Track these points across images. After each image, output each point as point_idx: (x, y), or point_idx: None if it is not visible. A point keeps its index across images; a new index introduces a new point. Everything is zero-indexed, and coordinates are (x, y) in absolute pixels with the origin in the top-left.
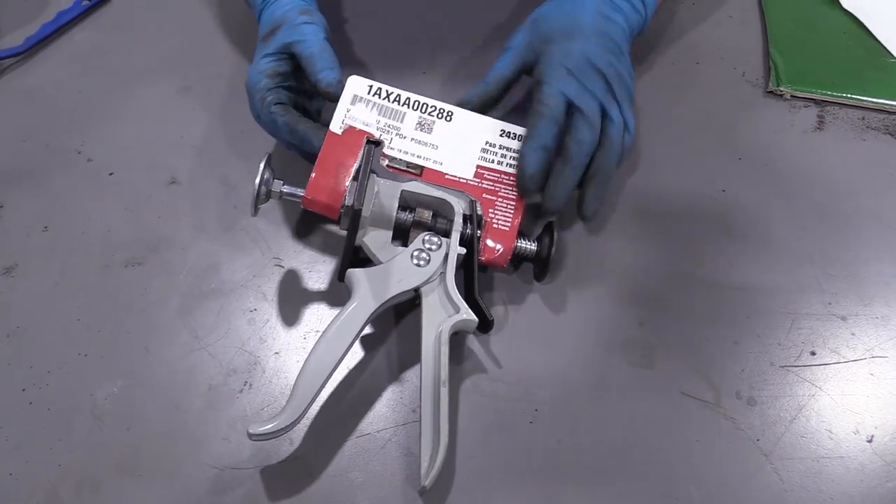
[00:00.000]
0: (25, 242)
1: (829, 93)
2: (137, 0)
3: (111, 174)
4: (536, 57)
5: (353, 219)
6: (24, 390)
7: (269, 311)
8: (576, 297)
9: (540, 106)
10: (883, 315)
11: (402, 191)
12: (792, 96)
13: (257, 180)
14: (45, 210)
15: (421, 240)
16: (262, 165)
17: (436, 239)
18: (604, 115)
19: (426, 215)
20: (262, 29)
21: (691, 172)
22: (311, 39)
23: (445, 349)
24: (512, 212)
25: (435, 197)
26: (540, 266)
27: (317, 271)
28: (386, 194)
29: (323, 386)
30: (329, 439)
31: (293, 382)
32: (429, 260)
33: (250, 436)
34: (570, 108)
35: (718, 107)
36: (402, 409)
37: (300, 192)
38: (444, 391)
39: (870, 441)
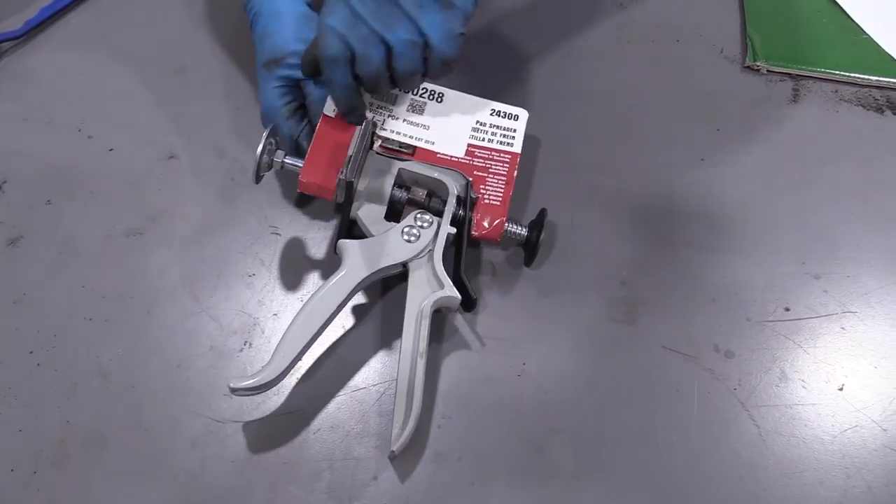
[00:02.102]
0: (29, 215)
1: (803, 67)
2: None
3: (111, 150)
4: None
5: (347, 191)
6: (31, 353)
7: (267, 276)
8: (561, 260)
9: (316, 51)
10: (854, 274)
11: (400, 169)
12: (768, 71)
13: (259, 149)
14: (47, 184)
15: (413, 217)
16: (265, 135)
17: (427, 217)
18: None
19: (420, 194)
20: (261, 47)
21: (672, 143)
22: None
23: (426, 322)
24: (503, 187)
25: (431, 177)
26: (528, 251)
27: (312, 239)
28: (383, 171)
29: (307, 347)
30: (326, 393)
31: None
32: (419, 236)
33: (232, 390)
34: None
35: (698, 81)
36: (395, 365)
37: (300, 164)
38: (422, 363)
39: (841, 389)
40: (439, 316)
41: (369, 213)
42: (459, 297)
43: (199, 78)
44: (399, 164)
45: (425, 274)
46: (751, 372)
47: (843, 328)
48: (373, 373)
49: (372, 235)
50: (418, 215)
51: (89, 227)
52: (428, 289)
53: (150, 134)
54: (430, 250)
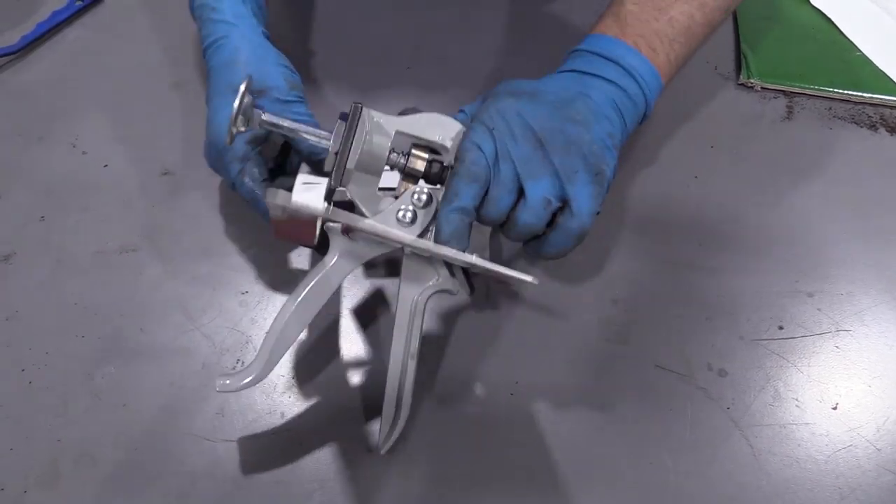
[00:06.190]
0: (22, 231)
1: (797, 84)
2: (130, 0)
3: (105, 166)
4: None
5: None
6: (23, 370)
7: (261, 293)
8: (553, 278)
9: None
10: (847, 291)
11: (397, 132)
12: (762, 88)
13: (235, 103)
14: (41, 201)
15: (409, 195)
16: (242, 87)
17: (425, 195)
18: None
19: (421, 162)
20: (230, 72)
21: (665, 160)
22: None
23: (419, 321)
24: None
25: (433, 140)
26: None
27: (306, 256)
28: (377, 134)
29: (294, 340)
30: (318, 413)
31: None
32: (414, 219)
33: (220, 389)
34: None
35: (692, 98)
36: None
37: (284, 122)
38: (413, 364)
39: (835, 409)
40: (432, 321)
41: (361, 187)
42: (457, 290)
43: (194, 93)
44: (397, 125)
45: (419, 262)
46: (744, 391)
47: (836, 347)
48: (365, 391)
49: (363, 214)
50: (416, 193)
51: (83, 244)
52: (422, 280)
53: (144, 150)
54: (429, 232)
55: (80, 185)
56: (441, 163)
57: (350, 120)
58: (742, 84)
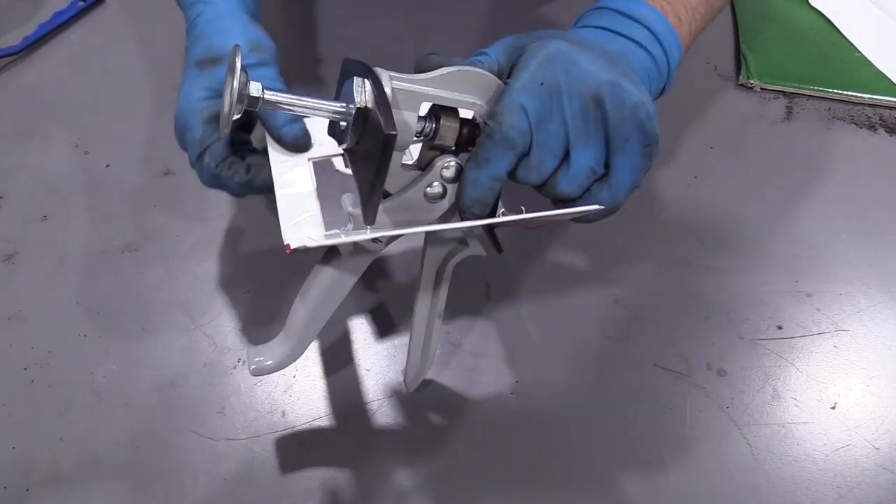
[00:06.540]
0: (25, 231)
1: (797, 85)
2: (131, 1)
3: (108, 166)
4: (513, 60)
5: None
6: (25, 369)
7: (263, 293)
8: (554, 278)
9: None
10: (846, 292)
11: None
12: (762, 88)
13: (235, 83)
14: (43, 200)
15: (438, 170)
16: (237, 66)
17: (453, 164)
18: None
19: (451, 137)
20: (195, 47)
21: (665, 160)
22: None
23: (445, 286)
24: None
25: (465, 101)
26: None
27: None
28: (401, 108)
29: (328, 316)
30: (319, 413)
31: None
32: (444, 194)
33: (253, 372)
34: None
35: (692, 99)
36: (391, 385)
37: (289, 98)
38: (439, 322)
39: (833, 408)
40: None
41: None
42: (484, 254)
43: None
44: (423, 96)
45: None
46: (743, 390)
47: (835, 346)
48: (367, 391)
49: (389, 193)
50: (445, 165)
51: (85, 243)
52: (450, 245)
53: (146, 150)
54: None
55: (83, 185)
56: (473, 122)
57: (381, 159)
58: (742, 84)
